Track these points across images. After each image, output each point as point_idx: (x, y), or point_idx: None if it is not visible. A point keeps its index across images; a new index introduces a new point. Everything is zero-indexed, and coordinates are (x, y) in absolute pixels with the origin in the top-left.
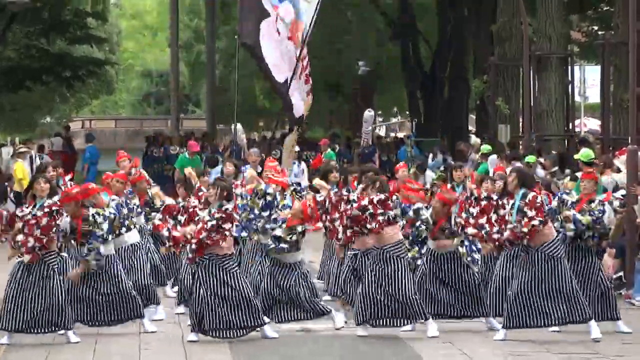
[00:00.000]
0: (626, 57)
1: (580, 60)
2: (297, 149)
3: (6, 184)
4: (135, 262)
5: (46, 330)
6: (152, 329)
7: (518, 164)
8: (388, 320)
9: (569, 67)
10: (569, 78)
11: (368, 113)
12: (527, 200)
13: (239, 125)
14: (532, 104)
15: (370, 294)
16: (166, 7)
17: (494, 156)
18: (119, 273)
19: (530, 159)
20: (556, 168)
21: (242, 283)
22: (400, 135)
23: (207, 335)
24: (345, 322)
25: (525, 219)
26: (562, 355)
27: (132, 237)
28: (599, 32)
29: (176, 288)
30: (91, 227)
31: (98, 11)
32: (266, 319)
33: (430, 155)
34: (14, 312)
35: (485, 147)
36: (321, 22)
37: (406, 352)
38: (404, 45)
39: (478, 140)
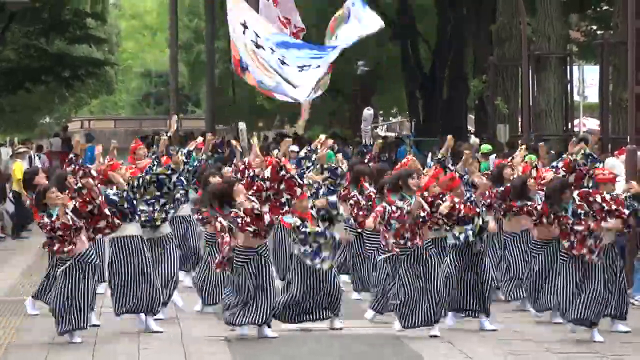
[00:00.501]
0: (625, 57)
1: (579, 60)
2: (295, 148)
3: (5, 184)
4: (165, 253)
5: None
6: (158, 329)
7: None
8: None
9: (568, 67)
10: (568, 78)
11: (367, 111)
12: (578, 202)
13: (243, 125)
14: (531, 104)
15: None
16: (166, 8)
17: (494, 155)
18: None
19: (531, 158)
20: None
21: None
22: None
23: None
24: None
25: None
26: (562, 355)
27: (166, 228)
28: (598, 32)
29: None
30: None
31: (97, 11)
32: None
33: (430, 155)
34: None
35: (486, 147)
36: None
37: (406, 352)
38: (403, 46)
39: (477, 140)
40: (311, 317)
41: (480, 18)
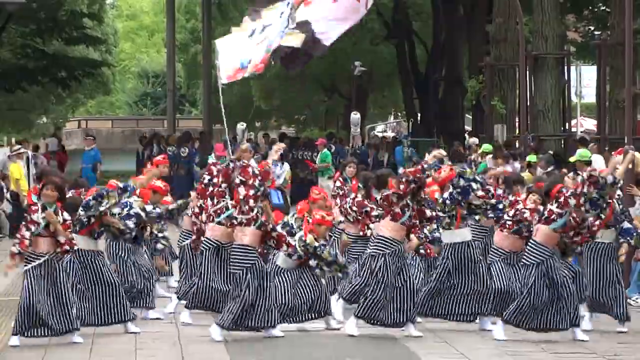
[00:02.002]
0: (622, 58)
1: (576, 60)
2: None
3: (2, 184)
4: (130, 259)
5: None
6: (136, 330)
7: (517, 164)
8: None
9: (565, 68)
10: (565, 78)
11: (354, 116)
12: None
13: (243, 125)
14: (528, 104)
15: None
16: (162, 8)
17: (491, 156)
18: (108, 271)
19: (532, 158)
20: (552, 168)
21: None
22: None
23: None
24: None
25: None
26: (559, 355)
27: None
28: (595, 33)
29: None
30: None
31: (94, 12)
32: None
33: (427, 155)
34: (29, 316)
35: (487, 147)
36: None
37: (403, 352)
38: (399, 46)
39: (476, 140)
40: None
41: (476, 18)
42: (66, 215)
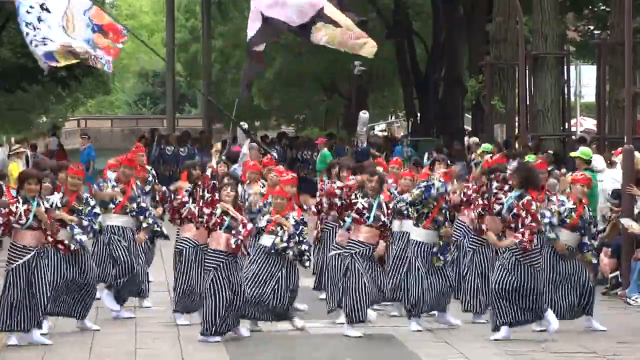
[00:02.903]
0: (622, 57)
1: (576, 59)
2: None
3: (1, 183)
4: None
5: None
6: (95, 327)
7: (515, 164)
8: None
9: (565, 67)
10: (565, 78)
11: (363, 115)
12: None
13: (245, 125)
14: (527, 104)
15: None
16: (162, 8)
17: (489, 156)
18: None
19: (530, 157)
20: (551, 167)
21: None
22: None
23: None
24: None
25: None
26: (559, 354)
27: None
28: (595, 32)
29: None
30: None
31: None
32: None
33: (426, 155)
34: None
35: (486, 146)
36: None
37: (402, 352)
38: (399, 45)
39: (476, 140)
40: None
41: (476, 18)
42: (46, 204)
